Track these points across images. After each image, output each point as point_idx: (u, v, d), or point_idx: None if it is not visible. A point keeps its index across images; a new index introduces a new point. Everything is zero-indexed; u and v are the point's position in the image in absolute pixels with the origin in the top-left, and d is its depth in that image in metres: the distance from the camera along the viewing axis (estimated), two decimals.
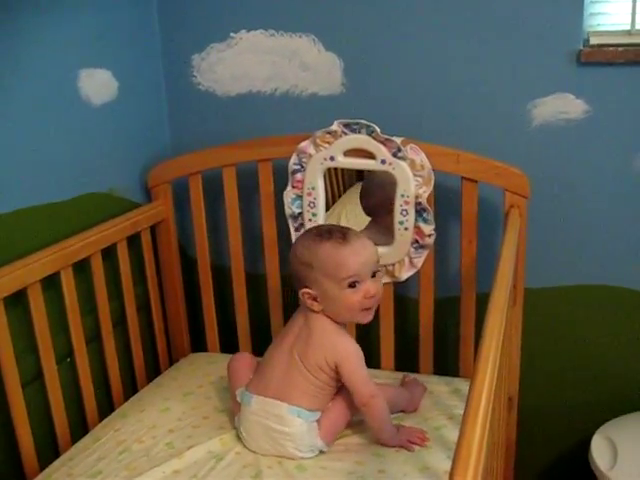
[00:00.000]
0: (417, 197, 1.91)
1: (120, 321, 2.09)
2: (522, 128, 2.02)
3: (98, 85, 2.04)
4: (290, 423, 1.65)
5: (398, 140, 1.89)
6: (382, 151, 1.90)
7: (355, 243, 1.67)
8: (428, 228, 1.93)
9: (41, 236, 1.84)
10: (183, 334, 2.34)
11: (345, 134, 1.93)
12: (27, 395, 1.74)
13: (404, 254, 1.97)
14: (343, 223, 2.07)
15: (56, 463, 1.73)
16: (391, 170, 1.91)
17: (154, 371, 2.26)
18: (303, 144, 1.97)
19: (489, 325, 1.28)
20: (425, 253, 1.97)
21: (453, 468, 0.90)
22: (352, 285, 1.65)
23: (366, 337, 1.98)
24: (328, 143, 1.95)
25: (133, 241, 2.12)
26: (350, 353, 1.68)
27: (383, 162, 1.91)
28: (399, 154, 1.89)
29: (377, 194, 2.07)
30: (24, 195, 1.81)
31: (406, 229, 1.94)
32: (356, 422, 1.75)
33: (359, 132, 1.92)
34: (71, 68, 1.94)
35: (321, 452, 1.69)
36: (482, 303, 1.55)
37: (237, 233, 2.18)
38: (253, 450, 1.71)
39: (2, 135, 1.74)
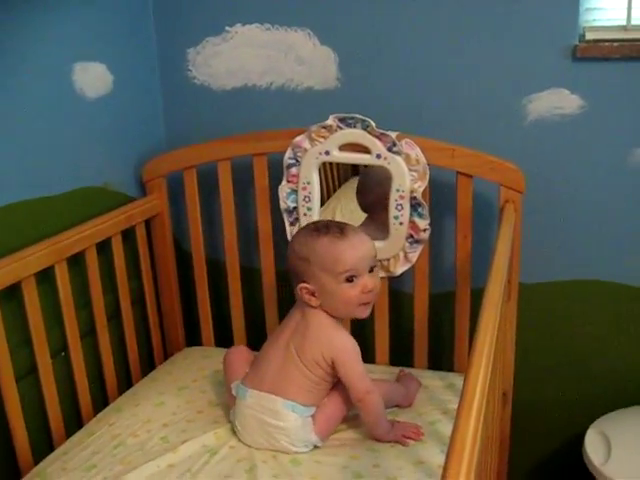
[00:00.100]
0: (412, 192, 1.91)
1: (115, 315, 2.09)
2: (517, 123, 2.02)
3: (93, 79, 2.03)
4: (285, 418, 1.65)
5: (393, 135, 1.89)
6: (377, 146, 1.90)
7: (353, 238, 1.67)
8: (423, 223, 1.93)
9: (35, 230, 1.84)
10: (178, 328, 2.34)
11: (340, 128, 1.93)
12: (21, 389, 1.74)
13: (399, 249, 1.97)
14: (338, 218, 2.08)
15: (50, 457, 1.73)
16: (386, 165, 1.90)
17: (149, 365, 2.26)
18: (298, 138, 1.97)
19: (483, 320, 1.28)
20: (420, 248, 1.97)
21: (447, 462, 0.90)
22: (349, 279, 1.65)
23: (361, 332, 1.98)
24: (323, 137, 1.94)
25: (128, 235, 2.12)
26: (347, 348, 1.68)
27: (378, 157, 1.91)
28: (394, 149, 1.89)
29: (374, 191, 2.07)
30: (18, 189, 1.80)
31: (401, 224, 1.94)
32: (351, 417, 1.76)
33: (354, 127, 1.92)
34: (65, 61, 1.94)
35: (315, 447, 1.69)
36: (477, 298, 1.55)
37: (232, 227, 2.18)
38: (248, 444, 1.71)
39: None
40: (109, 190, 2.13)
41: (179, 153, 2.16)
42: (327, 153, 1.95)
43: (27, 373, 1.79)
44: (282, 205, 2.04)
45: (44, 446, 1.83)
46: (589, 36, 1.92)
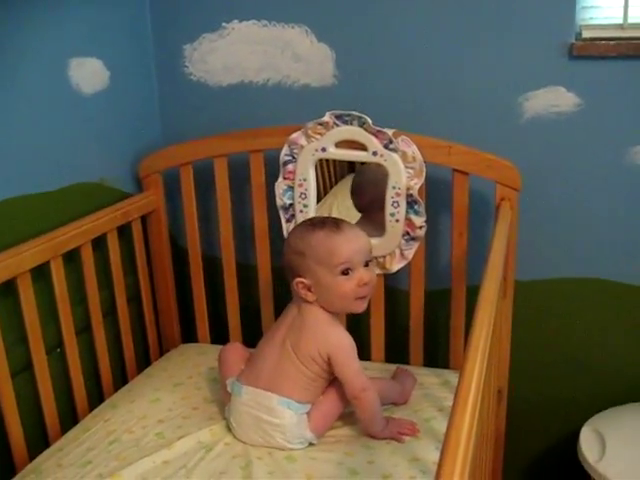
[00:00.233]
0: (408, 189, 1.91)
1: (110, 311, 2.09)
2: (514, 121, 2.02)
3: (89, 74, 2.03)
4: (280, 415, 1.66)
5: (390, 132, 1.89)
6: (374, 143, 1.90)
7: (348, 232, 1.68)
8: (419, 220, 1.93)
9: (31, 226, 1.84)
10: (173, 325, 2.34)
11: (337, 125, 1.93)
12: (17, 385, 1.73)
13: (395, 246, 1.97)
14: (334, 214, 2.08)
15: (46, 453, 1.73)
16: (382, 162, 1.90)
17: (144, 362, 2.25)
18: (295, 135, 1.97)
19: (479, 316, 1.28)
20: (416, 245, 1.97)
21: (441, 459, 0.90)
22: (345, 273, 1.66)
23: (356, 329, 1.98)
24: (320, 134, 1.94)
25: (124, 231, 2.12)
26: (343, 344, 1.68)
27: (374, 154, 1.91)
28: (391, 146, 1.89)
29: (369, 191, 2.07)
30: (14, 184, 1.80)
31: (397, 221, 1.94)
32: (346, 414, 1.75)
33: (351, 123, 1.92)
34: (62, 57, 1.93)
35: (311, 444, 1.69)
36: (473, 295, 1.55)
37: (228, 224, 2.18)
38: (243, 441, 1.71)
39: None
40: (105, 186, 2.13)
41: (175, 149, 2.16)
42: (323, 150, 1.95)
43: (22, 369, 1.79)
44: (278, 202, 2.04)
45: (39, 442, 1.83)
46: (586, 34, 1.93)
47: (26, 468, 1.68)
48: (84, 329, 1.99)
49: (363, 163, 2.08)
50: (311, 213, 2.00)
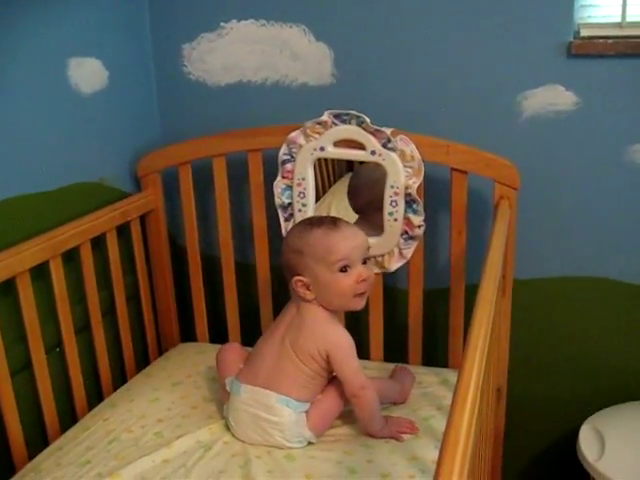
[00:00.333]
0: (407, 188, 1.91)
1: (109, 311, 2.09)
2: (512, 119, 2.02)
3: (88, 74, 2.03)
4: (279, 413, 1.66)
5: (388, 131, 1.89)
6: (372, 142, 1.90)
7: (346, 229, 1.69)
8: (418, 219, 1.93)
9: (30, 225, 1.84)
10: (172, 324, 2.34)
11: (335, 125, 1.93)
12: (16, 384, 1.74)
13: (393, 245, 1.97)
14: (333, 213, 2.08)
15: (45, 452, 1.73)
16: (381, 161, 1.90)
17: (143, 361, 2.25)
18: (293, 134, 1.97)
19: (478, 315, 1.28)
20: (414, 244, 1.97)
21: (440, 457, 0.90)
22: (343, 270, 1.66)
23: (355, 328, 1.98)
24: (318, 133, 1.94)
25: (123, 231, 2.12)
26: (342, 343, 1.68)
27: (373, 153, 1.91)
28: (389, 145, 1.89)
29: (364, 193, 2.08)
30: (13, 184, 1.80)
31: (395, 220, 1.94)
32: (345, 413, 1.76)
33: (349, 123, 1.92)
34: (61, 57, 1.93)
35: (310, 443, 1.69)
36: (471, 294, 1.56)
37: (227, 223, 2.18)
38: (241, 439, 1.72)
39: None
40: (104, 185, 2.13)
41: (174, 149, 2.16)
42: (322, 149, 1.95)
43: (22, 368, 1.79)
44: (277, 201, 2.04)
45: (39, 441, 1.83)
46: (584, 33, 1.93)
47: (25, 467, 1.68)
48: (83, 328, 1.99)
49: (361, 163, 2.09)
50: (310, 212, 2.00)
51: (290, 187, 2.02)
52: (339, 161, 2.15)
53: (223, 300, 2.26)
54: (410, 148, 1.89)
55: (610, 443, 1.93)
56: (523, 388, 2.23)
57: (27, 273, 1.73)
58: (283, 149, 1.99)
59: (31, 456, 1.74)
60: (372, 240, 1.89)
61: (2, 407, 1.70)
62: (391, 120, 1.94)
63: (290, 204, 2.03)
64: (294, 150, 1.98)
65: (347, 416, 1.76)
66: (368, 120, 1.88)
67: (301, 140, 1.96)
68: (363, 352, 2.02)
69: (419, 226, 1.94)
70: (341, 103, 1.98)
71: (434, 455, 1.54)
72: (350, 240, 1.68)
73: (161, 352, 2.31)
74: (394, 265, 1.99)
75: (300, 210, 2.01)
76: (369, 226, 1.94)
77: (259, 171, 2.09)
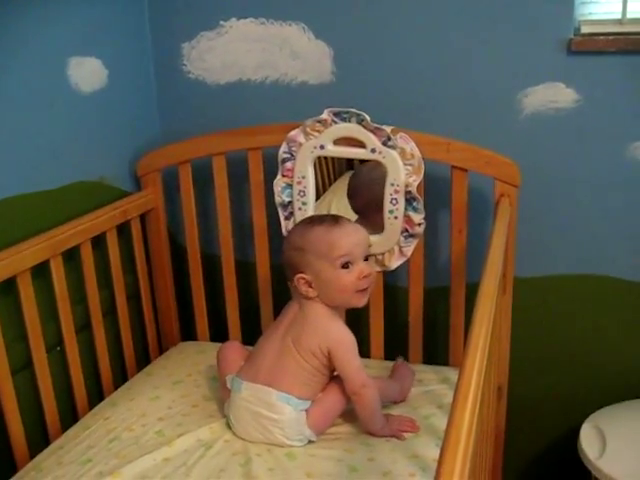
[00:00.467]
0: (407, 186, 1.91)
1: (110, 310, 2.09)
2: (512, 117, 2.02)
3: (88, 73, 2.03)
4: (279, 410, 1.66)
5: (388, 129, 1.89)
6: (372, 140, 1.90)
7: (347, 226, 1.70)
8: (418, 217, 1.93)
9: (31, 224, 1.84)
10: (173, 323, 2.34)
11: (335, 123, 1.93)
12: (17, 383, 1.74)
13: (394, 243, 1.97)
14: (333, 211, 2.08)
15: (46, 451, 1.73)
16: (381, 159, 1.90)
17: (144, 360, 2.25)
18: (293, 133, 1.97)
19: (479, 313, 1.28)
20: (415, 242, 1.97)
21: (442, 456, 0.90)
22: (345, 266, 1.67)
23: (356, 326, 1.97)
24: (318, 132, 1.94)
25: (123, 230, 2.12)
26: (343, 340, 1.68)
27: (373, 151, 1.91)
28: (389, 143, 1.89)
29: (364, 194, 2.07)
30: (13, 183, 1.80)
31: (396, 218, 1.94)
32: (346, 411, 1.75)
33: (349, 121, 1.92)
34: (61, 56, 1.93)
35: (310, 441, 1.69)
36: (472, 292, 1.56)
37: (227, 222, 2.18)
38: (242, 437, 1.72)
39: None
40: (104, 184, 2.13)
41: (174, 147, 2.16)
42: (322, 147, 1.95)
43: (23, 367, 1.79)
44: (277, 199, 2.04)
45: (40, 440, 1.83)
46: (584, 29, 1.93)
47: (27, 466, 1.69)
48: (84, 327, 1.99)
49: (361, 162, 2.09)
50: (310, 210, 2.00)
51: (290, 185, 2.02)
52: (339, 159, 2.15)
53: (223, 299, 2.26)
54: (410, 146, 1.89)
55: (611, 441, 1.92)
56: (524, 386, 2.23)
57: (28, 272, 1.73)
58: (283, 147, 1.99)
59: (32, 455, 1.74)
60: (372, 238, 1.89)
61: (3, 406, 1.70)
62: (391, 118, 1.94)
63: (290, 202, 2.03)
64: (294, 148, 1.98)
65: (348, 414, 1.76)
66: (368, 118, 1.88)
67: (301, 138, 1.96)
68: (364, 350, 2.02)
69: (419, 224, 1.94)
70: (341, 101, 1.98)
71: (435, 453, 1.54)
72: (352, 236, 1.68)
73: (161, 351, 2.31)
74: (394, 263, 1.99)
75: (300, 208, 2.01)
76: (369, 226, 1.93)
77: (259, 169, 2.09)
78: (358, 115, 1.89)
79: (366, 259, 1.72)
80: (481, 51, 1.99)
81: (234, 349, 1.87)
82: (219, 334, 2.31)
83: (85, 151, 2.04)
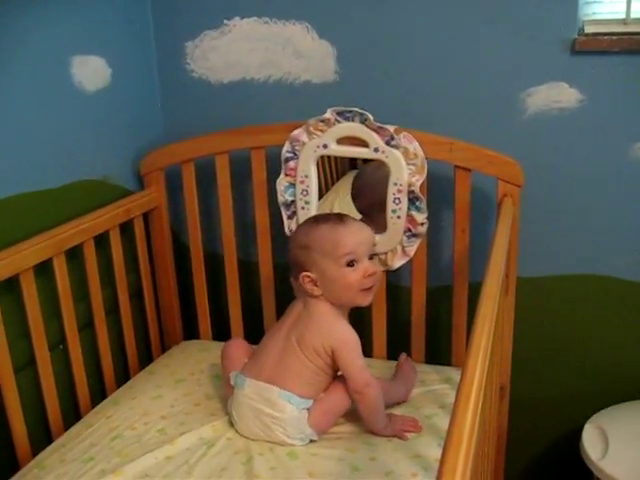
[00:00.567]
0: (410, 185, 1.91)
1: (113, 308, 2.09)
2: (516, 117, 2.02)
3: (91, 72, 2.03)
4: (281, 408, 1.66)
5: (391, 128, 1.89)
6: (375, 139, 1.90)
7: (352, 225, 1.70)
8: (421, 217, 1.93)
9: (34, 223, 1.84)
10: (175, 321, 2.34)
11: (338, 122, 1.93)
12: (19, 381, 1.74)
13: (396, 243, 1.96)
14: (336, 211, 2.07)
15: (48, 449, 1.73)
16: (384, 158, 1.90)
17: (146, 358, 2.26)
18: (296, 132, 1.97)
19: (481, 313, 1.28)
20: (418, 242, 1.97)
21: (444, 455, 0.90)
22: (350, 264, 1.67)
23: (358, 325, 1.97)
24: (321, 131, 1.94)
25: (126, 228, 2.12)
26: (348, 339, 1.68)
27: (376, 150, 1.90)
28: (392, 142, 1.89)
29: (368, 195, 2.07)
30: (17, 182, 1.80)
31: (399, 217, 1.94)
32: (348, 411, 1.75)
33: (352, 120, 1.91)
34: (64, 55, 1.93)
35: (312, 441, 1.69)
36: (474, 292, 1.56)
37: (230, 220, 2.18)
38: (244, 435, 1.72)
39: None
40: (107, 183, 2.13)
41: (177, 146, 2.16)
42: (325, 146, 1.95)
43: (25, 365, 1.79)
44: (280, 198, 2.04)
45: (42, 438, 1.83)
46: (588, 29, 1.92)
47: (29, 464, 1.69)
48: (86, 326, 1.99)
49: (364, 163, 2.08)
50: (312, 210, 2.00)
51: (293, 185, 2.02)
52: (342, 159, 2.15)
53: (226, 297, 2.26)
54: (413, 145, 1.89)
55: (614, 442, 1.92)
56: (526, 386, 2.23)
57: (31, 270, 1.74)
58: (286, 147, 1.99)
59: (34, 453, 1.74)
60: (375, 238, 1.89)
61: (6, 404, 1.70)
62: (394, 117, 1.94)
63: (293, 202, 2.03)
64: (297, 147, 1.98)
65: (350, 414, 1.76)
66: (371, 117, 1.88)
67: (304, 138, 1.96)
68: (366, 350, 2.01)
69: (422, 224, 1.94)
70: (344, 100, 1.97)
71: (437, 453, 1.55)
72: (357, 234, 1.68)
73: (164, 349, 2.32)
74: (397, 263, 1.99)
75: (303, 208, 2.01)
76: (373, 226, 1.94)
77: (262, 169, 2.09)
78: (361, 114, 1.89)
79: (371, 258, 1.72)
80: (485, 51, 1.99)
81: (239, 346, 1.87)
82: (221, 333, 2.32)
83: (88, 150, 2.05)
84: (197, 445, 1.70)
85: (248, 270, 2.30)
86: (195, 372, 2.05)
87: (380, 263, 1.99)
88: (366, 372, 1.68)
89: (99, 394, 2.03)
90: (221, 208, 2.17)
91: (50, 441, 1.80)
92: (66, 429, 1.83)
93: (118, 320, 2.11)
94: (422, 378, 1.97)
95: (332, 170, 2.16)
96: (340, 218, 1.71)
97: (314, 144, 1.95)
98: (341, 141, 1.94)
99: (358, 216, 2.08)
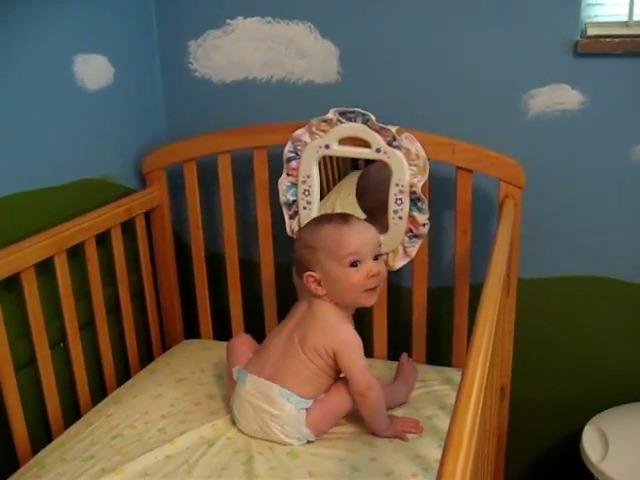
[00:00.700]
0: (412, 186, 1.91)
1: (114, 307, 2.09)
2: (518, 118, 2.02)
3: (94, 71, 2.03)
4: (279, 406, 1.66)
5: (393, 129, 1.89)
6: (377, 140, 1.90)
7: (357, 224, 1.70)
8: (422, 217, 1.93)
9: (35, 221, 1.84)
10: (176, 320, 2.34)
11: (340, 122, 1.93)
12: (20, 380, 1.74)
13: (398, 243, 1.97)
14: (337, 211, 2.07)
15: (49, 447, 1.73)
16: (386, 159, 1.90)
17: (147, 357, 2.26)
18: (298, 132, 1.97)
19: (482, 314, 1.28)
20: (419, 242, 1.97)
21: (444, 456, 0.90)
22: (354, 264, 1.66)
23: (359, 326, 1.98)
24: (323, 131, 1.94)
25: (127, 227, 2.12)
26: (350, 341, 1.68)
27: (378, 151, 1.90)
28: (394, 143, 1.89)
29: (373, 195, 2.07)
30: (19, 180, 1.80)
31: (400, 218, 1.94)
32: (349, 413, 1.75)
33: (354, 120, 1.92)
34: (67, 53, 1.94)
35: (309, 442, 1.69)
36: (476, 293, 1.56)
37: (231, 220, 2.18)
38: (243, 430, 1.73)
39: None
40: (109, 182, 2.13)
41: (179, 146, 2.16)
42: (327, 147, 1.95)
43: (26, 364, 1.80)
44: (282, 198, 2.04)
45: (42, 436, 1.83)
46: (591, 32, 1.92)
47: (29, 462, 1.69)
48: (87, 324, 1.99)
49: (367, 163, 2.08)
50: (314, 210, 2.00)
51: (295, 184, 2.02)
52: (344, 159, 2.15)
53: (227, 297, 2.26)
54: (415, 146, 1.89)
55: (614, 444, 1.92)
56: (526, 388, 2.23)
57: (32, 269, 1.74)
58: (288, 146, 1.99)
59: (35, 451, 1.74)
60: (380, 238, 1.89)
61: (6, 402, 1.70)
62: (396, 118, 1.94)
63: (295, 202, 2.03)
64: (299, 147, 1.98)
65: (350, 414, 1.75)
66: (373, 118, 1.88)
67: (306, 138, 1.96)
68: (367, 350, 2.00)
69: (424, 224, 1.94)
70: (346, 101, 1.98)
71: (437, 454, 1.55)
72: (361, 234, 1.68)
73: (165, 348, 2.32)
74: (398, 263, 1.99)
75: (305, 208, 2.01)
76: (378, 226, 1.94)
77: (264, 168, 2.09)
78: (363, 115, 1.89)
79: (376, 258, 1.71)
80: (487, 52, 1.99)
81: (245, 341, 1.87)
82: (223, 332, 2.32)
83: (90, 148, 2.05)
84: (197, 444, 1.70)
85: (249, 269, 2.30)
86: (196, 371, 2.05)
87: None
88: (368, 374, 1.67)
89: (100, 393, 2.03)
90: (223, 208, 2.17)
91: (50, 440, 1.80)
92: (66, 427, 1.83)
93: (119, 319, 2.11)
94: (423, 378, 1.97)
95: (334, 170, 2.16)
96: (345, 218, 1.71)
97: (316, 144, 1.95)
98: (343, 141, 1.94)
99: (363, 216, 2.08)
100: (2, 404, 1.70)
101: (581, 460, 1.95)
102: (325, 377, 1.70)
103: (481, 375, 1.09)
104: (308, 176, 1.99)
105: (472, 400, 1.02)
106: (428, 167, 1.91)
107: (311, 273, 1.68)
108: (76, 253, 1.92)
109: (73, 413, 1.93)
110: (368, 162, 2.08)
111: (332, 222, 1.69)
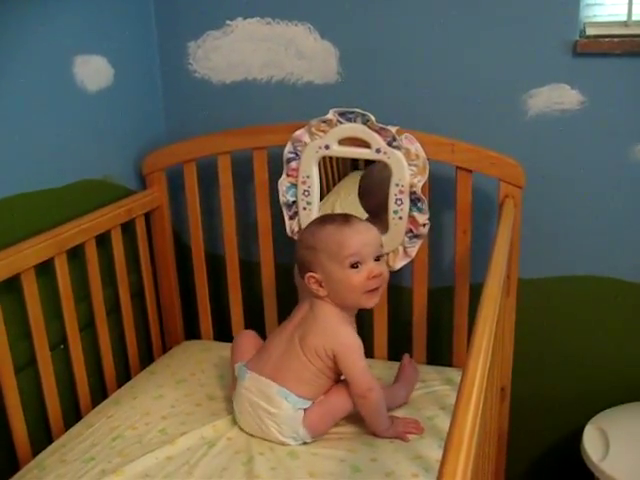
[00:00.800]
0: (412, 186, 1.91)
1: (114, 308, 2.09)
2: (517, 118, 2.02)
3: (93, 71, 2.03)
4: (277, 404, 1.66)
5: (393, 129, 1.89)
6: (377, 140, 1.90)
7: (358, 225, 1.69)
8: (422, 217, 1.93)
9: (35, 222, 1.84)
10: (177, 321, 2.34)
11: (340, 123, 1.93)
12: (20, 381, 1.74)
13: (398, 243, 1.97)
14: (337, 211, 2.07)
15: (49, 449, 1.73)
16: (386, 159, 1.90)
17: (147, 358, 2.26)
18: (298, 132, 1.97)
19: (482, 314, 1.28)
20: (419, 243, 1.97)
21: (444, 456, 0.90)
22: (354, 266, 1.65)
23: (359, 326, 1.98)
24: (323, 132, 1.94)
25: (127, 228, 2.12)
26: (350, 343, 1.68)
27: (378, 151, 1.91)
28: (394, 143, 1.89)
29: (376, 194, 2.07)
30: (19, 181, 1.80)
31: (400, 218, 1.94)
32: (349, 415, 1.74)
33: (354, 121, 1.92)
34: (66, 54, 1.94)
35: (305, 443, 1.69)
36: (476, 293, 1.56)
37: (231, 221, 2.18)
38: (242, 427, 1.73)
39: None
40: (109, 183, 2.13)
41: (179, 146, 2.16)
42: (327, 147, 1.95)
43: (26, 365, 1.79)
44: (281, 199, 2.04)
45: (43, 438, 1.83)
46: (590, 31, 1.92)
47: (29, 464, 1.69)
48: (88, 325, 1.99)
49: (368, 163, 2.08)
50: (314, 210, 2.00)
51: (295, 185, 2.02)
52: (344, 160, 2.15)
53: (227, 298, 2.26)
54: (415, 146, 1.89)
55: (615, 443, 1.92)
56: (527, 388, 2.23)
57: (32, 270, 1.74)
58: (288, 147, 1.99)
59: (35, 453, 1.74)
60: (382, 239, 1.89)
61: (6, 404, 1.70)
62: (396, 118, 1.94)
63: (295, 202, 2.03)
64: (299, 148, 1.98)
65: (351, 415, 1.75)
66: (373, 118, 1.88)
67: (306, 138, 1.96)
68: (367, 350, 2.01)
69: (424, 225, 1.94)
70: (346, 101, 1.98)
71: (438, 454, 1.55)
72: (362, 235, 1.67)
73: (165, 349, 2.32)
74: (399, 264, 1.99)
75: (305, 208, 2.01)
76: (380, 227, 1.94)
77: (264, 169, 2.09)
78: (363, 115, 1.89)
79: (378, 259, 1.70)
80: (486, 52, 1.99)
81: (249, 338, 1.88)
82: (223, 333, 2.32)
83: (90, 149, 2.05)
84: (198, 445, 1.70)
85: (249, 270, 2.30)
86: (196, 372, 2.05)
87: None
88: (368, 376, 1.67)
89: (100, 394, 2.03)
90: (223, 208, 2.17)
91: (50, 441, 1.80)
92: (66, 429, 1.83)
93: (119, 320, 2.11)
94: (423, 379, 1.97)
95: (334, 171, 2.16)
96: (346, 219, 1.70)
97: (316, 145, 1.95)
98: (343, 142, 1.94)
99: (364, 216, 2.08)
100: (2, 405, 1.70)
101: (582, 460, 1.95)
102: (325, 379, 1.70)
103: (481, 375, 1.09)
104: (308, 177, 1.99)
105: (472, 400, 1.02)
106: (428, 167, 1.91)
107: (312, 274, 1.68)
108: (76, 254, 1.92)
109: (73, 414, 1.93)
110: (368, 162, 2.08)
111: (334, 223, 1.69)
